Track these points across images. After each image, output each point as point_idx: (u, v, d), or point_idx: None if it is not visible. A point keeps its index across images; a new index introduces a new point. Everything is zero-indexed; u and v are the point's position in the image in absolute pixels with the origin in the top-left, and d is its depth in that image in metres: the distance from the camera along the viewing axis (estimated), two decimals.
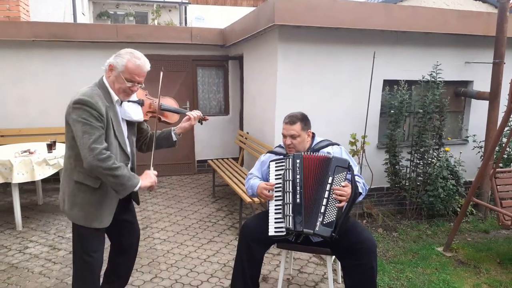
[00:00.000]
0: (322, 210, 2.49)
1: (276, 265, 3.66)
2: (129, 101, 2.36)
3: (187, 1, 14.97)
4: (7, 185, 5.28)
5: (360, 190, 2.66)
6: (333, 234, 2.46)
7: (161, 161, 6.68)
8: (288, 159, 2.64)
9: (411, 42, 5.07)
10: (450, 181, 4.63)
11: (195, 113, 2.63)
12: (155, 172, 2.40)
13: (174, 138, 2.62)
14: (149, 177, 2.34)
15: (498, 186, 3.82)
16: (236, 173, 5.07)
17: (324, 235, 2.48)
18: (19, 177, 4.18)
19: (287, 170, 2.61)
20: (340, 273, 3.32)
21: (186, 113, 2.63)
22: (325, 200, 2.51)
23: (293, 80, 4.73)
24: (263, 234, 2.66)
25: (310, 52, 4.73)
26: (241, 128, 6.63)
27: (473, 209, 4.97)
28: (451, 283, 3.37)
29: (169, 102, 2.68)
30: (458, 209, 4.73)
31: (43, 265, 3.60)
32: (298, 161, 2.62)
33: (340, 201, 2.49)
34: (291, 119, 2.80)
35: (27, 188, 5.78)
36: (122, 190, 2.18)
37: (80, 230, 2.31)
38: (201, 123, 2.78)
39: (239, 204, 4.55)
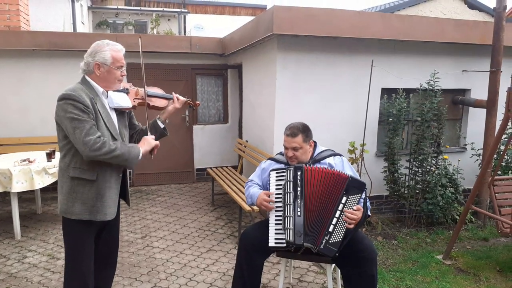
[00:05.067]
0: (330, 230, 2.49)
1: (276, 273, 3.65)
2: (114, 91, 2.40)
3: (186, 10, 15.08)
4: (6, 194, 5.27)
5: (369, 212, 2.66)
6: (336, 254, 2.49)
7: (160, 170, 6.69)
8: (289, 171, 2.63)
9: (409, 51, 5.12)
10: (449, 189, 4.64)
11: (180, 97, 2.66)
12: (153, 136, 2.47)
13: (161, 125, 2.62)
14: (147, 142, 2.42)
15: (496, 194, 3.82)
16: (236, 181, 5.07)
17: (327, 254, 2.50)
18: (18, 186, 4.17)
19: (288, 182, 2.60)
20: (340, 281, 3.31)
21: (172, 97, 2.64)
22: (335, 220, 2.50)
23: (292, 89, 4.76)
24: (263, 243, 2.66)
25: (309, 60, 4.76)
26: (240, 136, 6.65)
27: (472, 217, 4.97)
28: None
29: (154, 89, 2.68)
30: (457, 217, 4.73)
31: (42, 274, 3.59)
32: (299, 173, 2.60)
33: (350, 224, 2.49)
34: (292, 131, 2.76)
35: (26, 197, 5.76)
36: (128, 164, 2.30)
37: (79, 228, 2.31)
38: (193, 109, 2.80)
39: (238, 213, 4.55)
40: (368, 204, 2.70)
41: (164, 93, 2.69)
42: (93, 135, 2.13)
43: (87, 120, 2.14)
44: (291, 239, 2.53)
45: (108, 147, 2.16)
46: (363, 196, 2.58)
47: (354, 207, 2.52)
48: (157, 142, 2.47)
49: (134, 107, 2.51)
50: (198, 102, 2.84)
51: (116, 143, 2.24)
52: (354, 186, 2.53)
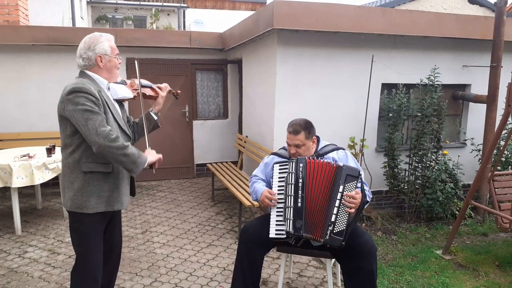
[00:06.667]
0: (333, 219, 2.50)
1: (276, 268, 3.66)
2: (115, 83, 2.43)
3: (185, 5, 15.02)
4: (6, 189, 5.28)
5: (368, 199, 2.66)
6: (343, 243, 2.49)
7: (160, 165, 6.66)
8: (291, 163, 2.65)
9: (409, 46, 5.10)
10: (449, 184, 4.65)
11: (163, 85, 2.68)
12: (154, 151, 2.47)
13: (155, 117, 2.64)
14: (152, 153, 2.42)
15: (496, 189, 3.83)
16: (235, 177, 5.08)
17: (334, 244, 2.50)
18: (18, 181, 4.17)
19: (290, 174, 2.62)
20: (340, 276, 3.33)
21: (158, 86, 2.66)
22: (335, 209, 2.51)
23: (291, 84, 4.75)
24: (263, 238, 2.67)
25: (309, 55, 4.75)
26: (240, 131, 6.64)
27: (471, 212, 4.98)
28: (450, 286, 3.38)
29: (144, 81, 2.70)
30: (457, 212, 4.75)
31: (43, 269, 3.60)
32: (301, 165, 2.62)
33: (350, 208, 2.50)
34: (294, 128, 2.77)
35: (26, 192, 5.77)
36: (134, 168, 2.25)
37: (91, 222, 2.30)
38: (176, 98, 2.84)
39: (238, 208, 4.56)
40: (367, 191, 2.71)
41: (151, 83, 2.72)
42: (105, 127, 2.14)
43: (99, 113, 2.15)
44: (291, 230, 2.54)
45: (121, 142, 2.16)
46: (359, 183, 2.60)
47: (353, 192, 2.53)
48: (160, 155, 2.46)
49: (134, 97, 2.54)
50: (179, 91, 2.86)
51: (128, 143, 2.24)
52: (349, 174, 2.55)
